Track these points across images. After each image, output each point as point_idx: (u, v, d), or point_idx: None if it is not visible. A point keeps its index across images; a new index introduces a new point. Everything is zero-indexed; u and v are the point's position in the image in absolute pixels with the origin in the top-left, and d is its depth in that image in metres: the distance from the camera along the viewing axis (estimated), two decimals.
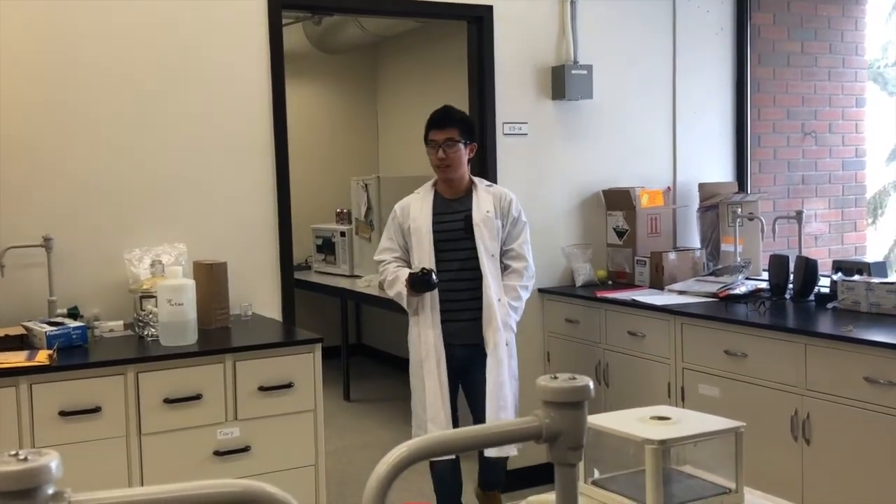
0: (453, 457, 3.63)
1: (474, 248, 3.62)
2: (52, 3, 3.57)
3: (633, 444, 1.57)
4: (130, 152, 3.72)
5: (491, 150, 4.52)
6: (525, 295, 3.72)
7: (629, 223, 4.71)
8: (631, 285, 4.62)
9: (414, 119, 7.08)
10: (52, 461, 0.70)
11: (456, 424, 3.67)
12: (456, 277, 3.63)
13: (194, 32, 3.82)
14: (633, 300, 4.21)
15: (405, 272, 3.58)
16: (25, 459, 0.70)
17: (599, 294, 4.41)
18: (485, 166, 4.52)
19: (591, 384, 0.91)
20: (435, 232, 3.62)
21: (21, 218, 3.52)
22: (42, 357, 3.02)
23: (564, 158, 4.74)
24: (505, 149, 4.57)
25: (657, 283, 4.50)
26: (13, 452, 0.71)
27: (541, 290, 4.66)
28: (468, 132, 3.66)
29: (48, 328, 3.20)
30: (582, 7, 4.71)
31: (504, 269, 3.71)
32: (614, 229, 4.79)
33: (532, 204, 4.63)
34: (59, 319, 3.36)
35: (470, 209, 3.64)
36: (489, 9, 4.49)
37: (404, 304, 3.66)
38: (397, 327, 4.90)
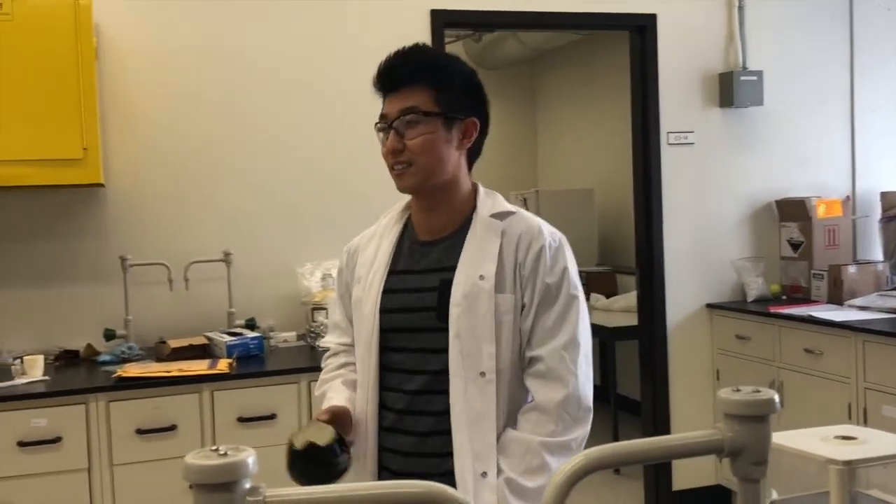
0: None
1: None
2: (231, 35, 3.79)
3: (816, 464, 1.49)
4: (303, 173, 3.88)
5: (655, 161, 4.43)
6: (555, 461, 1.63)
7: (804, 235, 4.49)
8: (807, 300, 4.40)
9: (574, 131, 7.06)
10: (250, 457, 0.74)
11: None
12: (412, 407, 1.74)
13: (361, 53, 3.95)
14: (810, 316, 4.00)
15: (338, 393, 1.83)
16: (225, 454, 0.74)
17: (773, 309, 4.22)
18: (648, 179, 4.43)
19: (777, 398, 0.87)
20: (384, 313, 1.76)
21: (203, 235, 3.74)
22: (223, 366, 3.19)
23: (734, 168, 4.58)
24: (670, 159, 4.46)
25: (835, 298, 4.26)
26: (214, 447, 0.75)
27: (709, 306, 4.52)
28: (452, 95, 1.74)
29: (228, 338, 3.38)
30: (750, 11, 4.54)
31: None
32: (788, 241, 4.58)
33: (700, 215, 4.51)
34: (237, 330, 3.54)
35: (454, 267, 1.73)
36: (653, 17, 4.41)
37: None
38: None
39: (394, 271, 1.79)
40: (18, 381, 3.09)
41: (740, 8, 4.52)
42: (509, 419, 1.70)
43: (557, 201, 6.47)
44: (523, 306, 1.70)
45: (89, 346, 3.50)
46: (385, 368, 1.76)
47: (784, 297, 4.54)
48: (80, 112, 3.22)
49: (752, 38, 4.55)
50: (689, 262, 4.48)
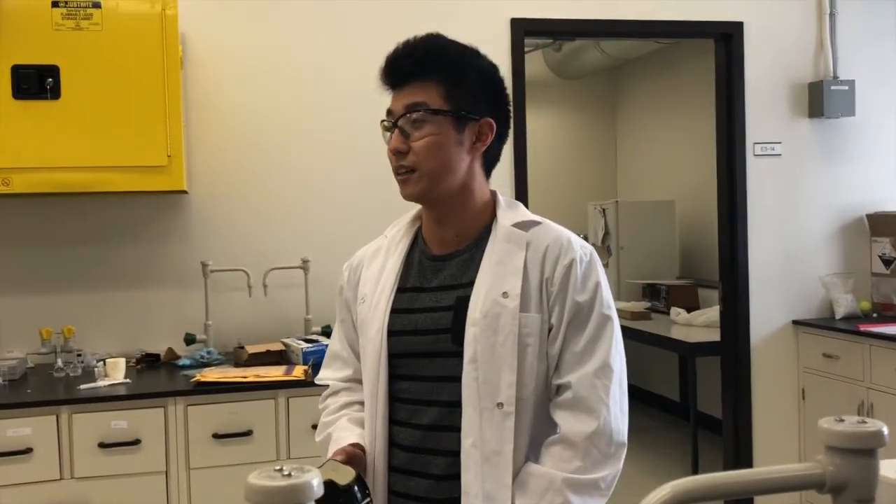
0: None
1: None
2: (313, 45, 3.82)
3: None
4: (382, 182, 3.86)
5: (740, 172, 4.30)
6: (580, 502, 1.43)
7: None
8: None
9: (655, 142, 6.93)
10: (315, 478, 0.71)
11: None
12: (424, 444, 1.54)
13: None
14: None
15: (347, 432, 1.64)
16: (290, 475, 0.71)
17: (863, 328, 4.05)
18: (733, 190, 4.30)
19: (886, 429, 0.80)
20: (393, 336, 1.57)
21: (282, 242, 3.77)
22: (298, 372, 3.20)
23: (822, 180, 4.42)
24: (756, 170, 4.32)
25: None
26: (277, 467, 0.72)
27: (795, 322, 4.36)
28: (466, 92, 1.58)
29: (304, 345, 3.39)
30: (842, 19, 4.38)
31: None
32: (880, 257, 4.40)
33: (786, 229, 4.36)
34: (313, 337, 3.55)
35: (472, 284, 1.53)
36: (739, 25, 4.29)
37: None
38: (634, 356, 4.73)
39: (403, 288, 1.59)
40: (101, 382, 3.15)
41: (832, 15, 4.36)
42: (530, 457, 1.48)
43: (637, 212, 6.36)
44: (550, 328, 1.49)
45: (170, 350, 3.56)
46: (395, 399, 1.56)
47: (875, 315, 4.36)
48: (166, 120, 3.28)
49: (843, 47, 4.39)
50: (774, 276, 4.34)
